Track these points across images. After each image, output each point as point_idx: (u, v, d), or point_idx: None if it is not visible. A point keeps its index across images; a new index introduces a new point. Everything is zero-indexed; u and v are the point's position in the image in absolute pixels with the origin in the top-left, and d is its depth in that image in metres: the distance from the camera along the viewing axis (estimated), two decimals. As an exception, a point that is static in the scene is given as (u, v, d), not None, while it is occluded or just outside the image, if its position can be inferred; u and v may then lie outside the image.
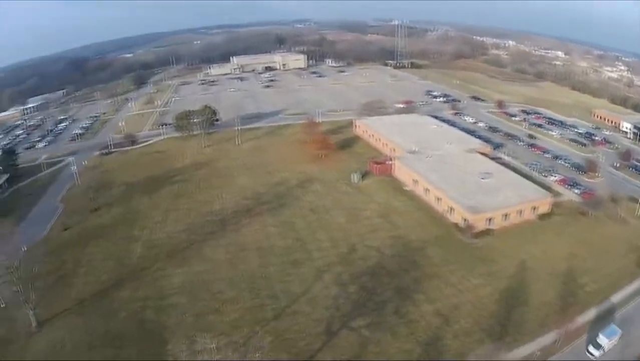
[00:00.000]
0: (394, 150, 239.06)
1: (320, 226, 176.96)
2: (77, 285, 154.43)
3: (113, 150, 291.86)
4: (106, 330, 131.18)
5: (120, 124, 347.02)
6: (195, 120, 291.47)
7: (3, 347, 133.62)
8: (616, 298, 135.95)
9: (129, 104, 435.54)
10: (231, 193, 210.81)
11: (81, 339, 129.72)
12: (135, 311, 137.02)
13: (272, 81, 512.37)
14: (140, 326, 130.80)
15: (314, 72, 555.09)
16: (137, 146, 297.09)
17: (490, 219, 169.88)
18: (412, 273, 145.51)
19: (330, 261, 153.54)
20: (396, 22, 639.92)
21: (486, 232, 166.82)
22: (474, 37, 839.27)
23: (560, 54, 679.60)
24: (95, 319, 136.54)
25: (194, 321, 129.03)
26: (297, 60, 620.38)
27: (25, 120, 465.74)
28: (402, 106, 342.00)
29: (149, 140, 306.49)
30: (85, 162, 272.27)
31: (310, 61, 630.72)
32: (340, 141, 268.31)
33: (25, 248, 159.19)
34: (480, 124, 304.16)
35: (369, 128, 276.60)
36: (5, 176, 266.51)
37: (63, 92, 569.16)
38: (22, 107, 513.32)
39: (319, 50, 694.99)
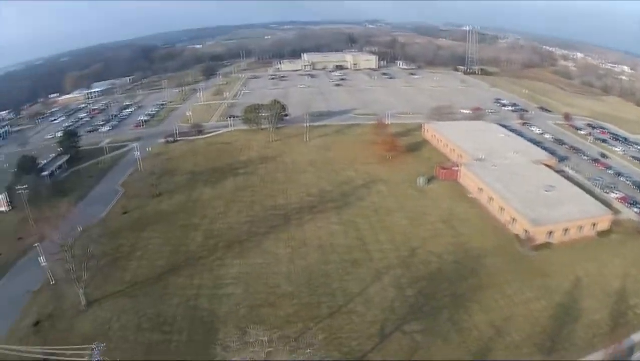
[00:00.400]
0: (461, 156, 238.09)
1: (382, 227, 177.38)
2: (131, 268, 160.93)
3: (179, 138, 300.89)
4: (157, 314, 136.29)
5: (187, 114, 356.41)
6: (264, 114, 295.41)
7: (50, 323, 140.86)
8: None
9: (197, 94, 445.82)
10: (296, 189, 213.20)
11: (129, 321, 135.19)
12: (189, 298, 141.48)
13: (342, 79, 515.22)
14: (192, 313, 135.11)
15: (384, 74, 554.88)
16: (204, 136, 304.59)
17: (550, 233, 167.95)
18: (469, 281, 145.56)
19: (390, 263, 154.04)
20: (467, 28, 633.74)
21: (545, 245, 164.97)
22: (543, 46, 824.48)
23: (626, 68, 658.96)
24: (146, 303, 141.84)
25: (248, 312, 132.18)
26: (368, 60, 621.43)
27: (89, 104, 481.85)
28: (470, 112, 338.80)
29: (216, 131, 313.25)
30: (150, 148, 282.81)
31: (381, 62, 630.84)
32: (408, 144, 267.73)
33: (81, 228, 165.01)
34: (547, 136, 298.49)
35: (437, 133, 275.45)
36: (65, 157, 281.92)
37: (129, 79, 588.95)
38: (86, 91, 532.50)
39: (390, 52, 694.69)
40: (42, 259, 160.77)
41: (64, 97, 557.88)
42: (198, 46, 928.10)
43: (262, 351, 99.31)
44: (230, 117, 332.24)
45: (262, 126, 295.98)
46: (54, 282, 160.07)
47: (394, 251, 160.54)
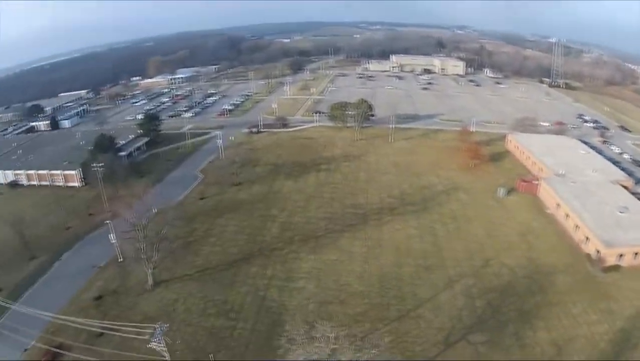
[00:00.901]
0: (542, 170, 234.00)
1: (459, 235, 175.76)
2: (203, 254, 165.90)
3: (263, 130, 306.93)
4: (224, 301, 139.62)
5: (273, 106, 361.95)
6: (350, 112, 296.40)
7: (113, 299, 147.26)
8: None
9: (284, 87, 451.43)
10: (377, 189, 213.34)
11: (195, 305, 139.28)
12: (259, 288, 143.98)
13: (429, 83, 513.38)
14: (261, 303, 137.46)
15: (471, 81, 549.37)
16: (288, 129, 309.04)
17: (621, 255, 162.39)
18: (537, 297, 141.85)
19: (462, 271, 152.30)
20: (553, 40, 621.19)
21: (615, 268, 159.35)
22: (625, 63, 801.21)
23: None
24: (215, 289, 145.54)
25: (317, 308, 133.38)
26: (455, 66, 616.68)
27: (172, 89, 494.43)
28: (553, 126, 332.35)
29: (301, 126, 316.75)
30: (232, 137, 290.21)
31: (468, 69, 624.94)
32: (491, 153, 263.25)
33: (156, 210, 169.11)
34: (625, 156, 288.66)
35: (520, 144, 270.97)
36: (145, 139, 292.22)
37: (215, 68, 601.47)
38: (170, 77, 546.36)
39: (477, 59, 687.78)
40: (112, 236, 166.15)
41: (146, 80, 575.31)
42: (286, 40, 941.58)
43: (327, 348, 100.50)
44: (316, 113, 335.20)
45: (348, 124, 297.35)
46: (122, 260, 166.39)
47: (467, 260, 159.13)
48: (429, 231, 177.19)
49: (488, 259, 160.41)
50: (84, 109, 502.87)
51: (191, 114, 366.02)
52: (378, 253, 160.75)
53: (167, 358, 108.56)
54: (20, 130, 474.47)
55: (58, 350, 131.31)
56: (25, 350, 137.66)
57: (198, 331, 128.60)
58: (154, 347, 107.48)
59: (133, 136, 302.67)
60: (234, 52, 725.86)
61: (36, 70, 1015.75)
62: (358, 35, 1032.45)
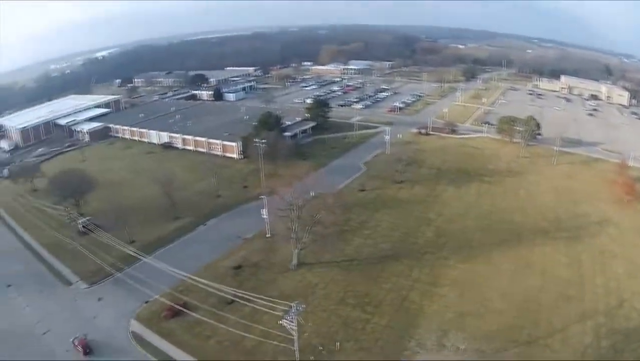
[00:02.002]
0: None
1: (602, 271, 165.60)
2: (354, 244, 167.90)
3: (431, 133, 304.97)
4: (365, 293, 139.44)
5: (444, 110, 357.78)
6: (518, 128, 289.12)
7: (252, 271, 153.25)
8: None
9: (456, 93, 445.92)
10: (533, 209, 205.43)
11: (335, 292, 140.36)
12: (402, 288, 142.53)
13: (595, 110, 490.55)
14: (400, 302, 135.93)
15: (634, 113, 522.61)
16: (456, 136, 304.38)
17: None
18: None
19: (597, 308, 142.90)
20: None
21: None
22: None
23: None
24: (358, 280, 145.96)
25: (454, 317, 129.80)
26: (620, 95, 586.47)
27: (344, 79, 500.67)
28: None
29: (468, 134, 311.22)
30: (400, 135, 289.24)
31: (632, 100, 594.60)
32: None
33: (314, 194, 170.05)
34: None
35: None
36: (311, 124, 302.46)
37: (389, 64, 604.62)
38: (343, 67, 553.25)
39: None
40: (264, 211, 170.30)
41: (318, 67, 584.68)
42: (461, 46, 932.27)
43: (454, 358, 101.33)
44: (485, 124, 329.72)
45: (514, 140, 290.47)
46: (269, 235, 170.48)
47: (604, 297, 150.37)
48: (576, 261, 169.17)
49: (623, 300, 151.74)
50: (250, 86, 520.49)
51: (361, 106, 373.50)
52: (524, 274, 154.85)
53: (294, 337, 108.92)
54: (180, 96, 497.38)
55: (182, 308, 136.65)
56: (147, 301, 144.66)
57: (331, 318, 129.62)
58: (285, 324, 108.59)
59: (299, 118, 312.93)
60: (408, 51, 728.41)
61: (201, 41, 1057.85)
62: (530, 51, 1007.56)
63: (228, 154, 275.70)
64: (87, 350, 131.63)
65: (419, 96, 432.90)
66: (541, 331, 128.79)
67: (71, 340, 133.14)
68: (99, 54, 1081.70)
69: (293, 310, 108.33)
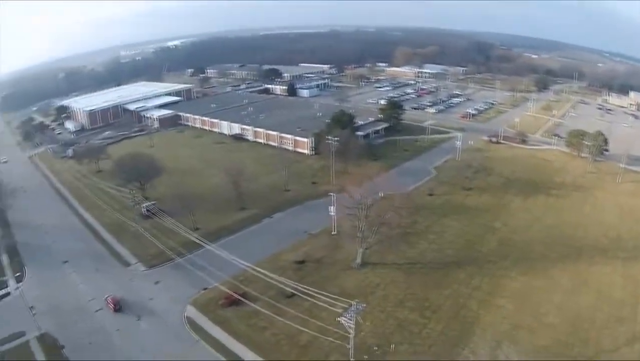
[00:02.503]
0: None
1: None
2: (419, 247, 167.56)
3: (502, 141, 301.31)
4: (424, 298, 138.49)
5: (515, 120, 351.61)
6: (586, 142, 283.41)
7: (314, 267, 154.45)
8: None
9: (528, 104, 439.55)
10: (596, 226, 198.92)
11: (394, 294, 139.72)
12: (460, 295, 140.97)
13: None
14: (458, 310, 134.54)
15: None
16: (526, 146, 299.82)
17: None
18: None
19: None
20: None
21: None
22: None
23: None
24: (419, 284, 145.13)
25: (509, 329, 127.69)
26: None
27: (418, 82, 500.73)
28: None
29: (538, 145, 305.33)
30: (472, 142, 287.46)
31: None
32: None
33: (383, 194, 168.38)
34: None
35: None
36: (384, 125, 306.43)
37: (462, 70, 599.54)
38: (417, 70, 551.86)
39: None
40: (332, 208, 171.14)
41: (392, 68, 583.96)
42: (534, 56, 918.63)
43: None
44: (554, 136, 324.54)
45: (582, 154, 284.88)
46: (335, 233, 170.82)
47: None
48: (632, 281, 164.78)
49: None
50: (324, 83, 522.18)
51: (434, 110, 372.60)
52: (581, 291, 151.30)
53: (350, 335, 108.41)
54: (253, 89, 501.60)
55: (240, 298, 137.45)
56: (205, 288, 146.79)
57: (389, 319, 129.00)
58: (343, 322, 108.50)
59: (372, 119, 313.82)
60: (482, 57, 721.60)
61: (277, 36, 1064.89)
62: (601, 65, 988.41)
63: (299, 150, 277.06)
64: (118, 306, 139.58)
65: (492, 104, 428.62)
66: (590, 351, 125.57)
67: (104, 297, 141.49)
68: (172, 43, 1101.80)
69: (352, 308, 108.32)
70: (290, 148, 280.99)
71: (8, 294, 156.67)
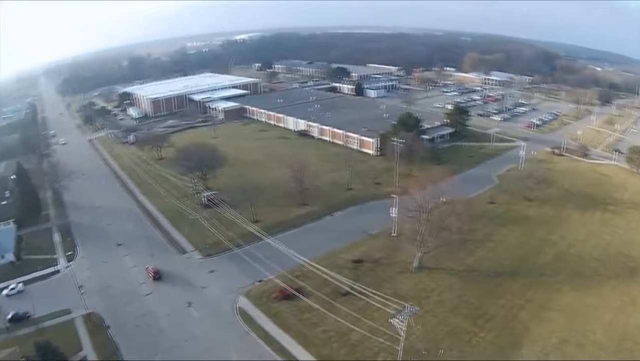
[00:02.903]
0: None
1: None
2: (476, 255, 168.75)
3: (564, 153, 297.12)
4: (478, 306, 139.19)
5: (578, 132, 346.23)
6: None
7: (370, 267, 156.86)
8: None
9: (591, 117, 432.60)
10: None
11: (449, 300, 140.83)
12: (513, 306, 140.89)
13: None
14: (509, 321, 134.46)
15: None
16: (587, 160, 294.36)
17: None
18: None
19: None
20: None
21: None
22: None
23: None
24: (473, 291, 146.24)
25: (557, 343, 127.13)
26: None
27: (485, 89, 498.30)
28: None
29: (598, 160, 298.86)
30: (535, 152, 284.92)
31: None
32: None
33: (444, 199, 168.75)
34: None
35: None
36: (450, 130, 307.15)
37: (529, 79, 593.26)
38: (484, 76, 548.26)
39: None
40: (394, 210, 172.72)
41: (460, 74, 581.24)
42: (598, 68, 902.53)
43: None
44: (615, 151, 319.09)
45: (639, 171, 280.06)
46: (394, 235, 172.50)
47: None
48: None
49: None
50: (392, 85, 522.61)
51: (500, 118, 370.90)
52: (630, 311, 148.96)
53: (401, 337, 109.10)
54: (320, 87, 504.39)
55: (295, 292, 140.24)
56: (260, 280, 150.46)
57: (440, 325, 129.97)
58: (395, 323, 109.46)
59: (439, 123, 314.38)
60: (548, 67, 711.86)
61: (345, 35, 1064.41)
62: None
63: (364, 149, 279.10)
64: (157, 275, 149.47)
65: (556, 115, 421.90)
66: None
67: (145, 267, 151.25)
68: (239, 37, 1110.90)
69: (406, 311, 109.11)
70: (355, 147, 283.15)
71: (57, 272, 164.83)
